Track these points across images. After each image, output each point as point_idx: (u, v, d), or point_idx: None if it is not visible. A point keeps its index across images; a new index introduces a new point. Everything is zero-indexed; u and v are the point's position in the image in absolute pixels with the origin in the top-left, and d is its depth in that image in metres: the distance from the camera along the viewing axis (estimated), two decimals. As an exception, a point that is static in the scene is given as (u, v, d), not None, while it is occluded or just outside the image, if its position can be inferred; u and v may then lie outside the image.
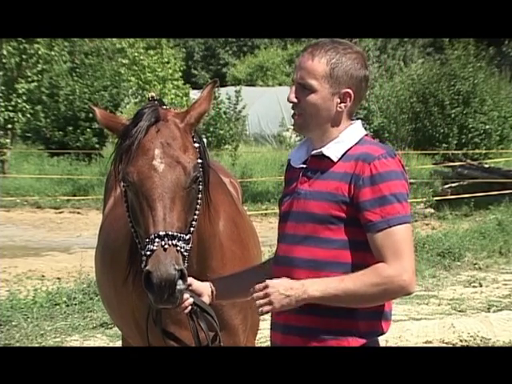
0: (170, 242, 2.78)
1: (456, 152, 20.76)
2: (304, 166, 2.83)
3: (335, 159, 2.76)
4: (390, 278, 2.60)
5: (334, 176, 2.73)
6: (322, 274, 2.67)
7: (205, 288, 2.98)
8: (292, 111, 2.83)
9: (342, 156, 2.76)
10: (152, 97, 3.12)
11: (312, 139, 2.85)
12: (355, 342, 2.71)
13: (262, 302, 2.65)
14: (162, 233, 2.79)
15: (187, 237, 2.89)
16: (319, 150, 2.79)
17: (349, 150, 2.76)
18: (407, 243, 2.66)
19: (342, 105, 2.78)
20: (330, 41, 2.80)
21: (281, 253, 2.83)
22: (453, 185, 18.15)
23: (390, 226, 2.64)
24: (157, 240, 2.78)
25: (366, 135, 2.83)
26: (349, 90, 2.76)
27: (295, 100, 2.79)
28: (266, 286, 2.64)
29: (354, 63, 2.76)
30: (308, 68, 2.75)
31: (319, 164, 2.79)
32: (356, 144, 2.77)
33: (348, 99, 2.78)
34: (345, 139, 2.78)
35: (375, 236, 2.65)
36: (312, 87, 2.75)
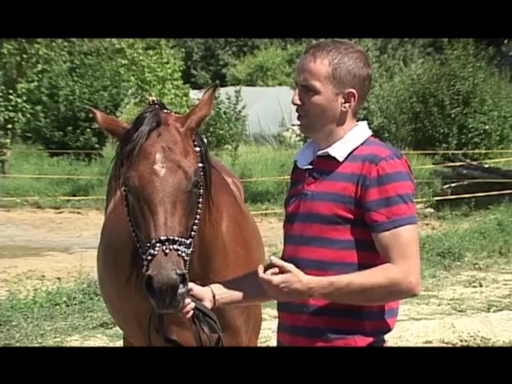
0: (170, 247, 2.78)
1: (456, 152, 20.73)
2: (310, 166, 2.83)
3: (341, 159, 2.76)
4: (397, 279, 2.60)
5: (341, 176, 2.73)
6: (329, 275, 2.66)
7: (206, 293, 2.96)
8: (297, 113, 2.83)
9: (348, 156, 2.76)
10: (153, 101, 3.11)
11: (318, 140, 2.85)
12: (362, 340, 2.71)
13: (274, 288, 2.62)
14: (163, 237, 2.79)
15: (188, 241, 2.88)
16: (325, 151, 2.79)
17: (354, 150, 2.76)
18: (413, 244, 2.66)
19: (347, 104, 2.78)
20: (332, 41, 2.79)
21: (288, 254, 2.81)
22: (453, 185, 18.15)
23: (396, 227, 2.64)
24: (158, 245, 2.77)
25: (372, 136, 2.83)
26: (352, 90, 2.77)
27: (299, 102, 2.79)
28: (289, 276, 2.61)
29: (356, 62, 2.76)
30: (311, 70, 2.75)
31: (325, 165, 2.79)
32: (362, 144, 2.77)
33: (352, 99, 2.78)
34: (350, 139, 2.78)
35: (381, 236, 2.65)
36: (315, 89, 2.75)
